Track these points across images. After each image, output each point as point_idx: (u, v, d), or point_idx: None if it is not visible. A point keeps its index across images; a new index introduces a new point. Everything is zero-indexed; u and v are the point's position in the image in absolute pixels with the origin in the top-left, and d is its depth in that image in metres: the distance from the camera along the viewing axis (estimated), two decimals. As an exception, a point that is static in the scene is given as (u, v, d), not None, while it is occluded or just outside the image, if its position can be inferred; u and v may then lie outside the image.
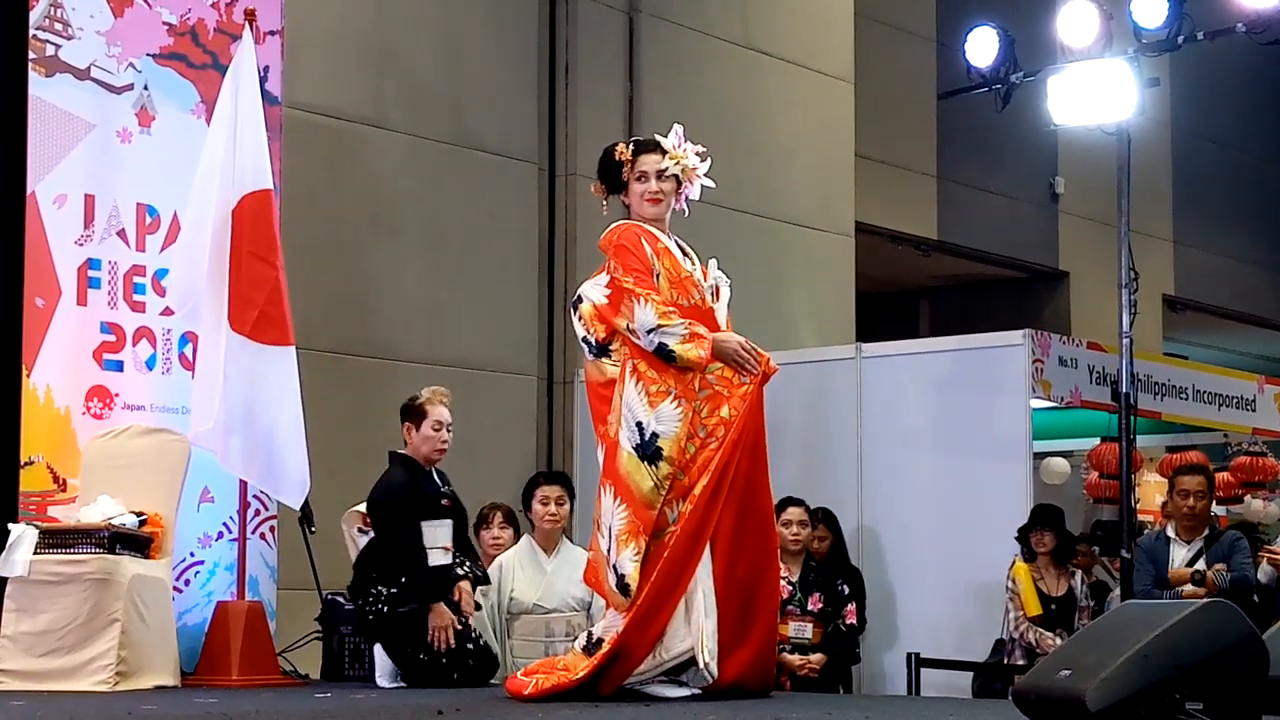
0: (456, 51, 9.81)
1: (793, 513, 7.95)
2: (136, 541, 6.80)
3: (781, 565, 6.50)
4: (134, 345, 7.36)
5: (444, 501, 6.92)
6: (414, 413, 6.96)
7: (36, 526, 6.74)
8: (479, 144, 9.85)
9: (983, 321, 13.39)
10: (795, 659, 7.80)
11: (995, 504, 8.39)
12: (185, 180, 7.29)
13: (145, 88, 7.46)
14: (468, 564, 6.93)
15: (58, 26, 7.20)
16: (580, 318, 5.84)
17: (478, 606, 6.96)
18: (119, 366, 7.31)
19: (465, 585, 6.84)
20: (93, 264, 7.24)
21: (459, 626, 6.73)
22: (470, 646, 6.76)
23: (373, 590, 6.77)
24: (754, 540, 5.63)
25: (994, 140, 13.67)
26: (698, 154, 5.86)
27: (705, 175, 5.88)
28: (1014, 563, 8.28)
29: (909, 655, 8.07)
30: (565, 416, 10.10)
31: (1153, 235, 15.54)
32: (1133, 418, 8.23)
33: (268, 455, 7.16)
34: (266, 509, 7.54)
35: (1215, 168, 16.91)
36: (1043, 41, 9.82)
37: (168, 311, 7.40)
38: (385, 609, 6.73)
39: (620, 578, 5.50)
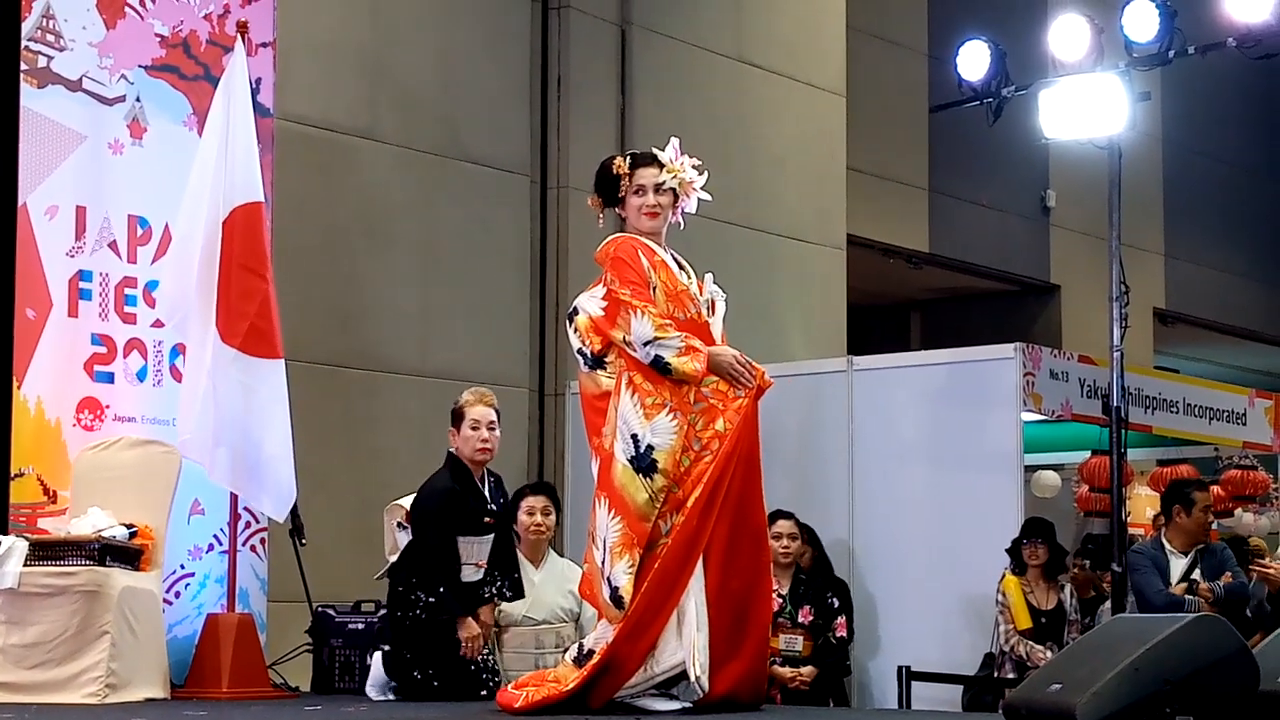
0: (449, 64, 9.80)
1: (783, 525, 7.95)
2: (127, 554, 6.78)
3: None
4: (125, 357, 7.33)
5: (487, 520, 6.87)
6: (455, 415, 6.96)
7: (26, 538, 6.72)
8: (471, 156, 9.84)
9: (974, 334, 13.43)
10: (786, 671, 7.81)
11: (986, 517, 8.39)
12: (177, 192, 7.27)
13: (137, 99, 7.44)
14: (499, 583, 6.89)
15: (50, 38, 7.19)
16: (576, 329, 5.81)
17: (497, 625, 6.96)
18: (110, 378, 7.29)
19: (486, 611, 6.82)
20: (84, 275, 7.22)
21: (489, 639, 6.77)
22: (473, 668, 6.75)
23: (412, 595, 6.76)
24: (747, 554, 5.62)
25: (985, 153, 13.69)
26: (695, 167, 5.86)
27: (701, 188, 5.89)
28: (1004, 576, 8.28)
29: (899, 668, 8.05)
30: (557, 428, 10.08)
31: (1144, 249, 15.59)
32: (1124, 431, 8.25)
33: (255, 468, 7.14)
34: (257, 521, 7.51)
35: (1206, 182, 16.94)
36: (1034, 55, 9.84)
37: (159, 323, 7.37)
38: (423, 615, 6.72)
39: (614, 590, 5.49)
